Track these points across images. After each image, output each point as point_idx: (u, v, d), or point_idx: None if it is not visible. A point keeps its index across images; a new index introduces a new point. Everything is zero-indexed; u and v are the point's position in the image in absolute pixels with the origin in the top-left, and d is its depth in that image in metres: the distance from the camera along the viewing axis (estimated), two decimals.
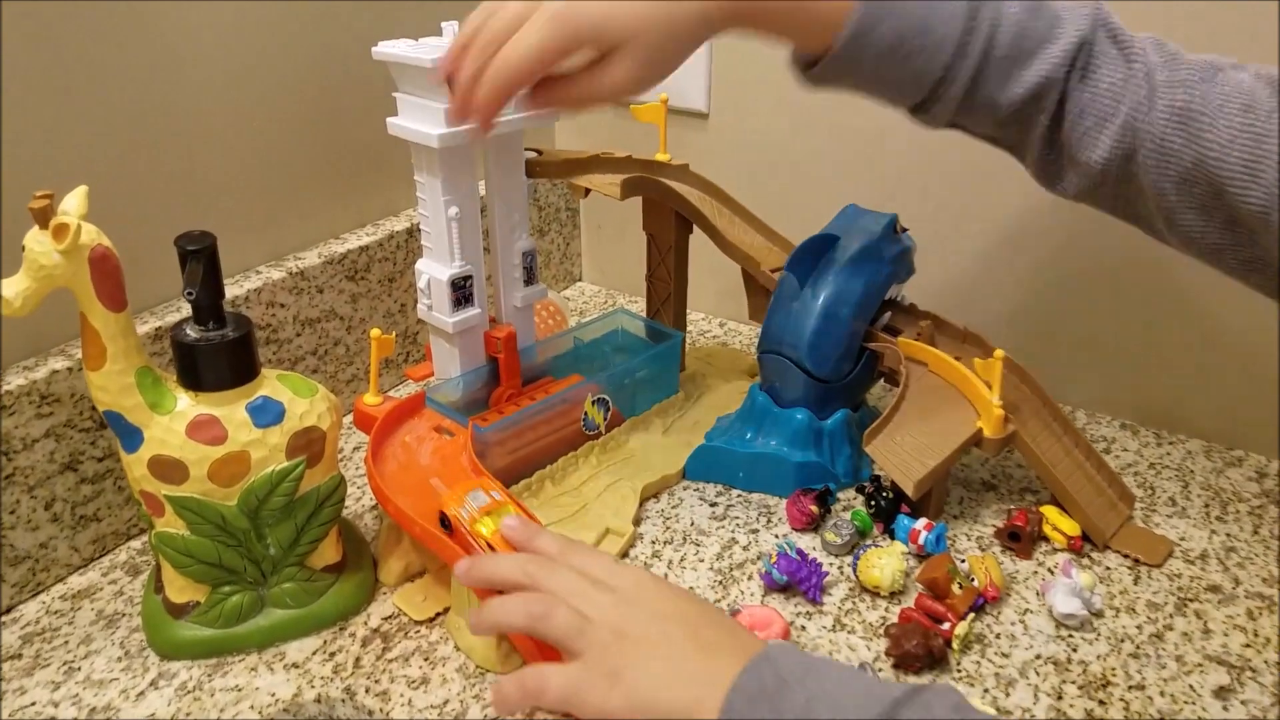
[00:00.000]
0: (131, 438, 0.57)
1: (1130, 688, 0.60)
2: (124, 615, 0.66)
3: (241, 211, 0.79)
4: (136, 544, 0.73)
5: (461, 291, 0.72)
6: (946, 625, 0.62)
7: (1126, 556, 0.70)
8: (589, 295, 1.15)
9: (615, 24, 0.55)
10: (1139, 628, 0.64)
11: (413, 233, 0.90)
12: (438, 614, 0.65)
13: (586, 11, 0.55)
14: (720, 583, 0.68)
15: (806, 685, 0.44)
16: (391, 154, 0.89)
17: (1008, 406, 0.69)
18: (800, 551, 0.67)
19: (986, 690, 0.60)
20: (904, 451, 0.67)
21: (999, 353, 0.68)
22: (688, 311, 0.91)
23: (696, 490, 0.78)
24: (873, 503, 0.72)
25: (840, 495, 0.77)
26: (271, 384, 0.60)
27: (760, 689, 0.44)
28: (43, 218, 0.53)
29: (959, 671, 0.61)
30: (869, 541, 0.71)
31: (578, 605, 0.50)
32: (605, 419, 0.79)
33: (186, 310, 0.72)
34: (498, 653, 0.60)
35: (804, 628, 0.64)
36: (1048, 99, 0.56)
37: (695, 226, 0.83)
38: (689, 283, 0.88)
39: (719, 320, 1.07)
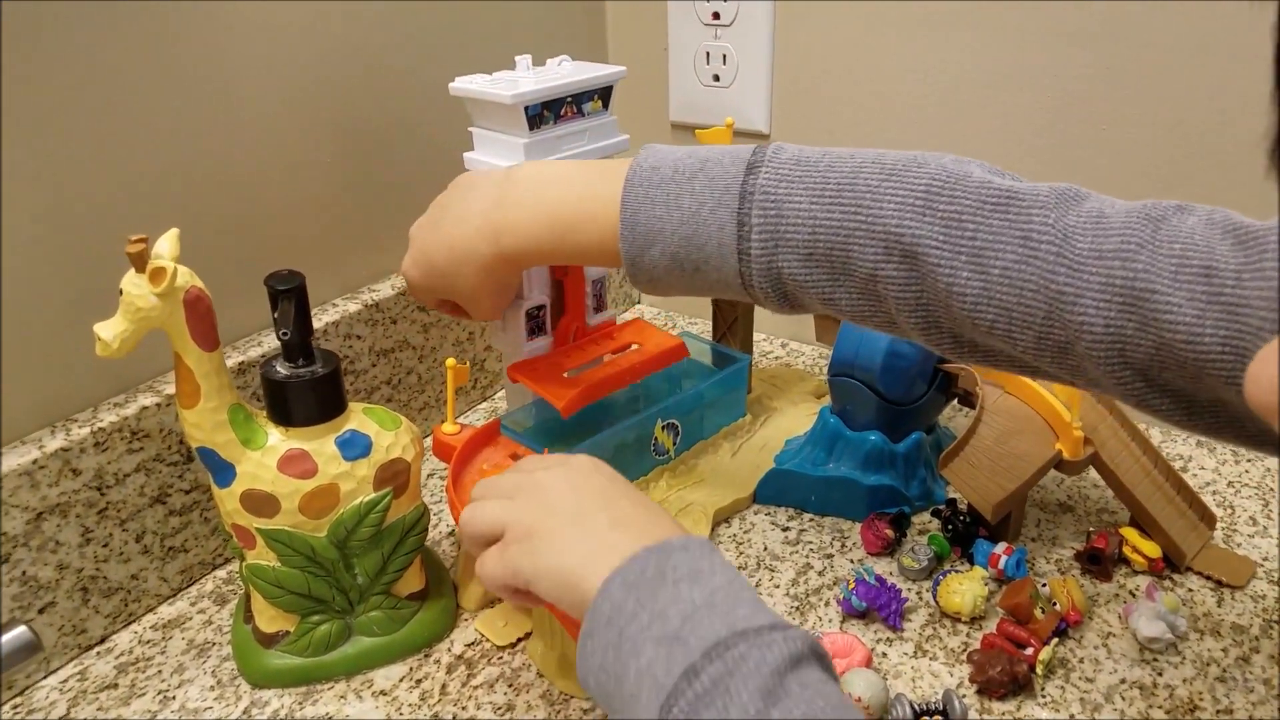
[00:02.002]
0: (224, 473, 0.59)
1: (1219, 712, 0.59)
2: (214, 644, 0.67)
3: (315, 246, 0.80)
4: (222, 574, 0.74)
5: (535, 321, 0.73)
6: (1030, 650, 0.62)
7: (1209, 578, 0.69)
8: (649, 317, 1.16)
9: (431, 286, 0.64)
10: (1224, 650, 0.63)
11: None
12: (519, 639, 0.66)
13: (410, 278, 0.66)
14: (797, 609, 0.68)
15: (678, 590, 0.42)
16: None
17: (1085, 427, 0.69)
18: (879, 577, 0.67)
19: (1072, 715, 0.59)
20: (981, 475, 0.67)
21: None
22: None
23: (768, 514, 0.78)
24: (949, 527, 0.72)
25: (913, 519, 0.76)
26: (358, 417, 0.62)
27: (640, 577, 0.43)
28: (140, 261, 0.54)
29: (1044, 696, 0.60)
30: (947, 567, 0.71)
31: (510, 495, 0.52)
32: (675, 444, 0.80)
33: (266, 345, 0.75)
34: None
35: (885, 654, 0.64)
36: (890, 285, 0.49)
37: None
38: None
39: (780, 341, 1.07)
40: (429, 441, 0.81)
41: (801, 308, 0.54)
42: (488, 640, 0.67)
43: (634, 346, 0.77)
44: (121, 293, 0.54)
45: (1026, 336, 0.46)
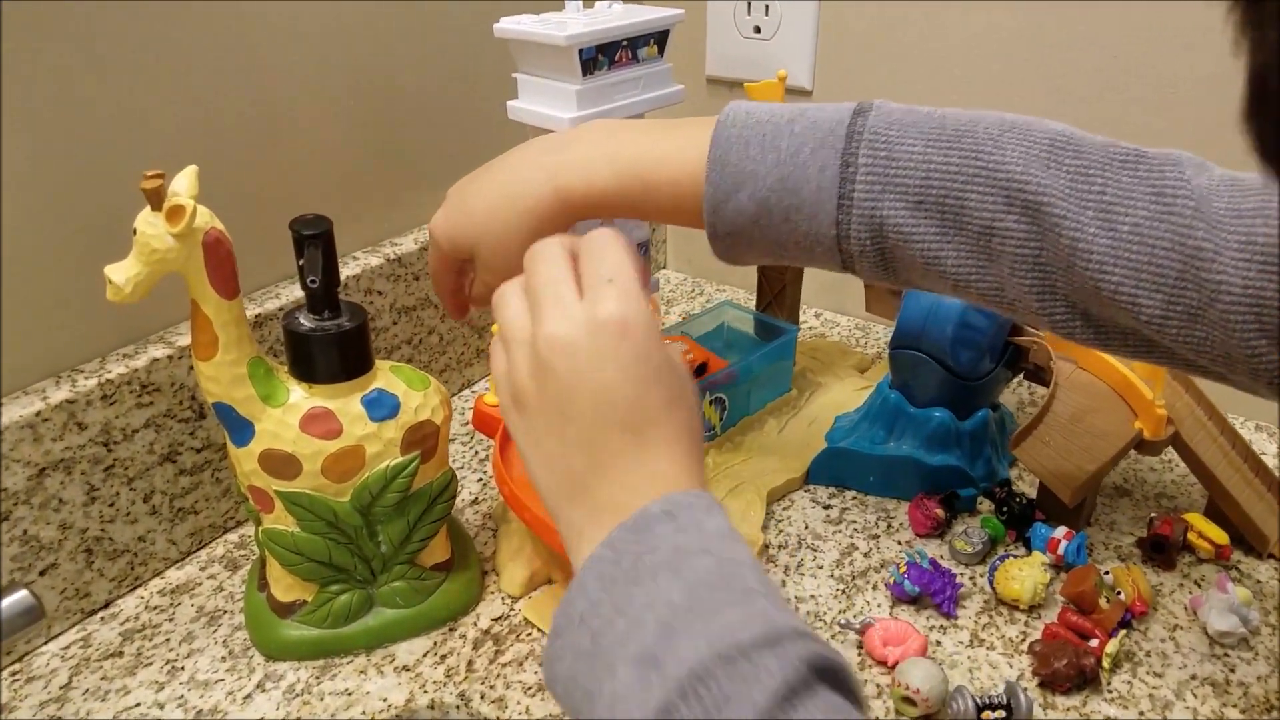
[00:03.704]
0: (242, 431, 0.55)
1: None
2: (225, 612, 0.64)
3: (337, 195, 0.76)
4: (234, 537, 0.70)
5: None
6: (1095, 642, 0.58)
7: None
8: (675, 284, 1.11)
9: (459, 240, 0.54)
10: None
11: None
12: None
13: (437, 233, 0.55)
14: (844, 592, 0.64)
15: (656, 585, 0.35)
16: (487, 136, 0.86)
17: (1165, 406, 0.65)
18: (933, 561, 0.63)
19: (1142, 713, 0.55)
20: (1057, 456, 0.63)
21: None
22: None
23: (808, 492, 0.74)
24: (1004, 509, 0.68)
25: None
26: (385, 375, 0.58)
27: (615, 568, 0.36)
28: (156, 198, 0.50)
29: (1110, 692, 0.57)
30: (1002, 551, 0.67)
31: (520, 344, 0.42)
32: (721, 419, 0.76)
33: (285, 297, 0.70)
34: None
35: (938, 643, 0.60)
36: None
37: None
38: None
39: (814, 310, 1.03)
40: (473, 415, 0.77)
41: (892, 270, 0.48)
42: (517, 615, 0.63)
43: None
44: (136, 232, 0.50)
45: (1154, 300, 0.41)
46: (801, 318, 1.01)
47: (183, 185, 0.51)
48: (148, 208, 0.50)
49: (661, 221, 0.54)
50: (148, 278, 0.51)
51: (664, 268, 1.15)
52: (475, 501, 0.74)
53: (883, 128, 0.46)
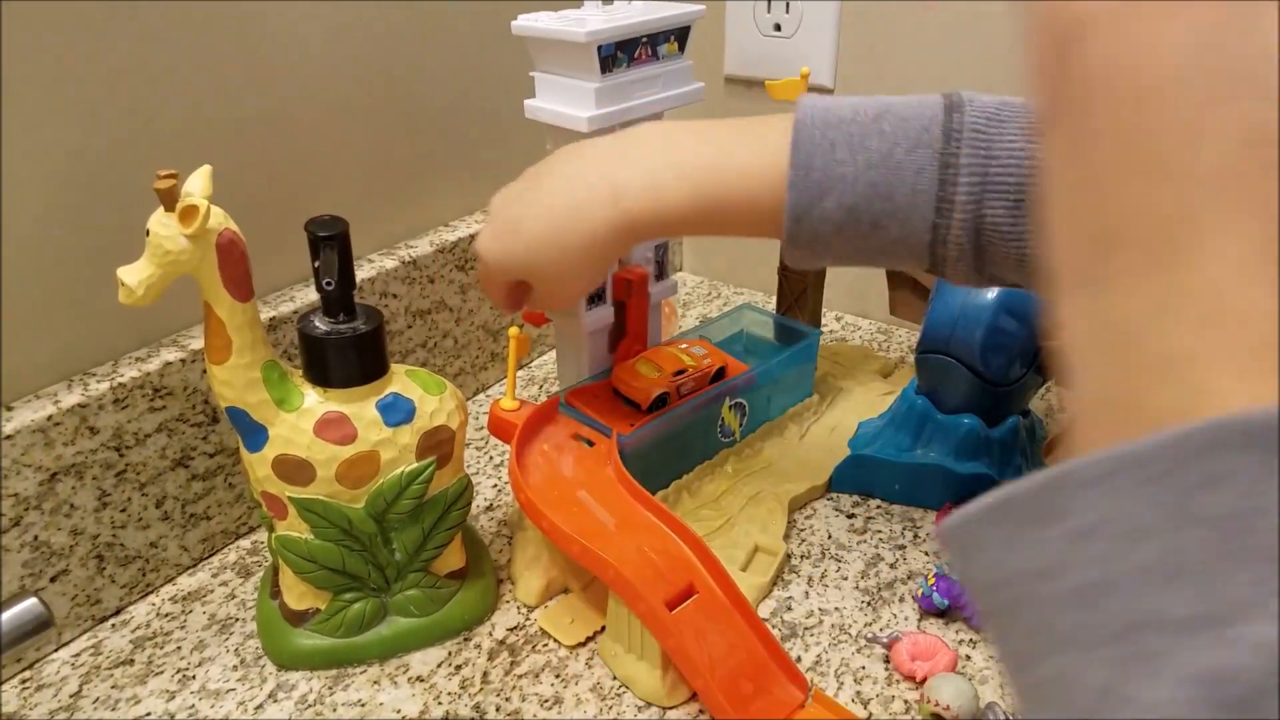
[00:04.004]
0: (255, 436, 0.54)
1: None
2: (237, 620, 0.63)
3: (352, 196, 0.75)
4: (246, 543, 0.69)
5: (595, 289, 0.67)
6: None
7: None
8: (691, 286, 1.10)
9: (511, 265, 0.53)
10: None
11: None
12: (589, 638, 0.61)
13: (487, 256, 0.54)
14: (869, 604, 0.63)
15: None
16: (504, 135, 0.85)
17: None
18: None
19: None
20: None
21: None
22: None
23: (830, 500, 0.73)
24: None
25: None
26: (401, 380, 0.56)
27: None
28: (169, 199, 0.49)
29: None
30: None
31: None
32: (741, 425, 0.74)
33: (299, 300, 0.69)
34: (663, 684, 0.55)
35: (968, 656, 0.59)
36: None
37: None
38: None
39: (835, 314, 1.01)
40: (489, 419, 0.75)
41: (982, 267, 0.46)
42: (533, 625, 0.62)
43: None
44: (149, 233, 0.49)
45: None
46: (822, 321, 1.00)
47: (196, 185, 0.50)
48: (161, 208, 0.49)
49: (730, 235, 0.51)
50: (160, 280, 0.50)
51: (680, 270, 1.14)
52: (490, 508, 0.73)
53: (982, 124, 0.44)
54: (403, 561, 0.59)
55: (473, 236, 0.81)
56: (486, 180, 0.86)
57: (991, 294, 0.65)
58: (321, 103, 0.71)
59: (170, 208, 0.49)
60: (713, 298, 1.07)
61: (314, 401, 0.54)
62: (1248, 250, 0.20)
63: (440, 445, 0.57)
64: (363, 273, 0.74)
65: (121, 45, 0.58)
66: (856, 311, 1.00)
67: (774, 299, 0.84)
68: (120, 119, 0.59)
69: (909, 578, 0.65)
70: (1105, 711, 0.20)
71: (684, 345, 0.72)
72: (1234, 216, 0.20)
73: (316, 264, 0.53)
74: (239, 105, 0.65)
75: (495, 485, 0.75)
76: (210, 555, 0.68)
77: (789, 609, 0.63)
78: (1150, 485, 0.20)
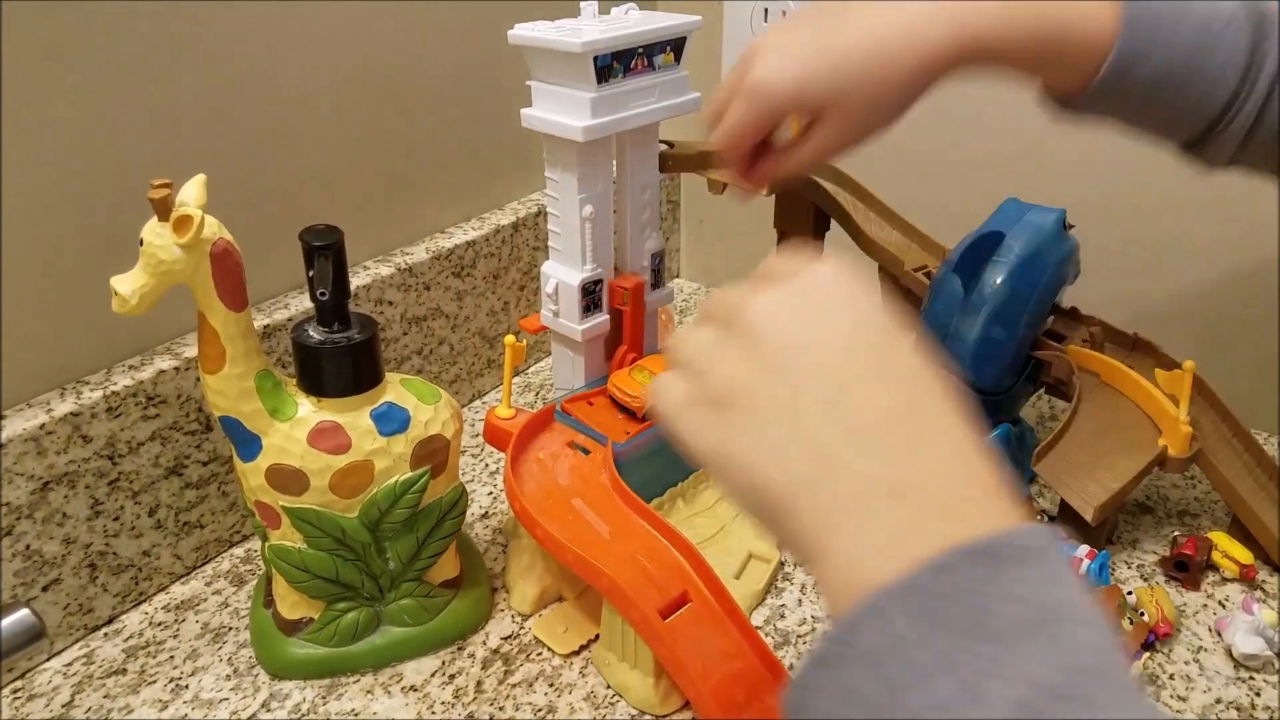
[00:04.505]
0: (249, 446, 0.54)
1: None
2: (230, 629, 0.63)
3: (347, 203, 0.75)
4: (239, 551, 0.69)
5: (591, 297, 0.67)
6: None
7: None
8: (688, 294, 1.10)
9: (813, 90, 0.47)
10: None
11: (518, 226, 0.86)
12: (582, 646, 0.61)
13: (779, 82, 0.47)
14: None
15: (1013, 650, 0.25)
16: (500, 144, 0.85)
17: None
18: None
19: None
20: (1079, 473, 0.61)
21: (1189, 364, 0.62)
22: None
23: None
24: None
25: None
26: (395, 389, 0.57)
27: (941, 605, 0.26)
28: (163, 209, 0.49)
29: None
30: None
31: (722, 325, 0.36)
32: None
33: (294, 308, 0.69)
34: (656, 692, 0.55)
35: None
36: None
37: (832, 223, 0.77)
38: None
39: None
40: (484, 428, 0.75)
41: (1249, 150, 0.48)
42: (527, 634, 0.62)
43: None
44: (142, 243, 0.49)
45: None
46: None
47: (190, 194, 0.50)
48: (154, 218, 0.49)
49: (1035, 76, 0.51)
50: (154, 289, 0.50)
51: (678, 276, 1.14)
52: (485, 515, 0.73)
53: None
54: (397, 571, 0.59)
55: (469, 244, 0.81)
56: (482, 188, 0.86)
57: (986, 304, 0.65)
58: (319, 111, 0.71)
59: (164, 217, 0.49)
60: None
61: (308, 411, 0.54)
62: None
63: (435, 454, 0.57)
64: (359, 279, 0.74)
65: (116, 54, 0.58)
66: None
67: None
68: (115, 128, 0.59)
69: None
70: None
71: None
72: None
73: (311, 273, 0.53)
74: (234, 114, 0.65)
75: (490, 493, 0.75)
76: (203, 564, 0.68)
77: (782, 617, 0.63)
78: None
